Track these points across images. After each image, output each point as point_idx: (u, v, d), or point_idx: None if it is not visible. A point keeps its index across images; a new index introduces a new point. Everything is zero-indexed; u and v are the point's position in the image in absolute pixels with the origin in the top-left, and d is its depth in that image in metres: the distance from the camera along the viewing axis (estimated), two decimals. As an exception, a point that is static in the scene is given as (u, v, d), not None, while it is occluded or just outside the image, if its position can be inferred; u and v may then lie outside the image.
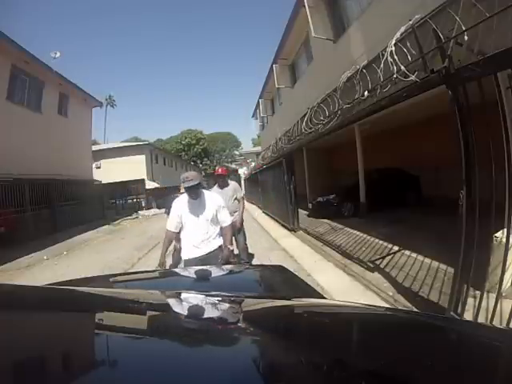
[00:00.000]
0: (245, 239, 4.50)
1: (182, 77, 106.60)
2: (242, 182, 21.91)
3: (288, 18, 9.55)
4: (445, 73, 2.19)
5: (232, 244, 2.91)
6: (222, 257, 2.70)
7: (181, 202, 2.72)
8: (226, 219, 2.77)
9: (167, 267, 2.85)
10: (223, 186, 4.25)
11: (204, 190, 2.80)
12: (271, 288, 1.43)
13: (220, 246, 2.78)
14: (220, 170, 4.33)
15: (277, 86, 12.59)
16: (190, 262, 2.68)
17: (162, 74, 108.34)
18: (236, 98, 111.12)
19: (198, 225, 2.67)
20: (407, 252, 4.49)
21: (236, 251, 4.18)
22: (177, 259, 3.53)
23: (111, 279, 1.62)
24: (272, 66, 12.75)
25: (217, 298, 0.92)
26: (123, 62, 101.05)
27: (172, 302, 0.90)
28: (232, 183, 4.42)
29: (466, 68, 2.01)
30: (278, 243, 6.64)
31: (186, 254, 2.75)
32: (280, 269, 1.65)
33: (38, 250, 7.55)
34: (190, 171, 2.91)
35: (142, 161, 21.70)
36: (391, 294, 3.22)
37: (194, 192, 2.58)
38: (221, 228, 2.78)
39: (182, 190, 3.11)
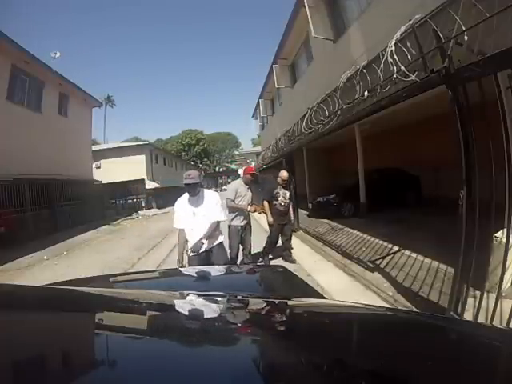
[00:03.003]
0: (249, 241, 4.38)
1: (183, 77, 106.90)
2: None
3: (288, 18, 9.54)
4: (445, 73, 2.19)
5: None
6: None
7: (182, 200, 2.91)
8: (221, 215, 2.93)
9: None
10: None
11: (204, 189, 2.94)
12: (271, 288, 1.44)
13: (220, 243, 2.93)
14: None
15: (277, 86, 12.55)
16: (192, 259, 2.78)
17: (163, 74, 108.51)
18: (236, 98, 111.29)
19: (197, 220, 2.80)
20: (407, 252, 4.48)
21: (240, 257, 4.24)
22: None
23: (111, 279, 1.63)
24: (272, 66, 12.72)
25: (217, 298, 0.92)
26: (123, 61, 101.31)
27: (172, 302, 0.89)
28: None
29: (466, 68, 2.01)
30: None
31: (189, 251, 2.84)
32: (280, 269, 1.66)
33: (38, 250, 7.54)
34: (193, 170, 3.10)
35: (142, 161, 21.66)
36: (391, 294, 3.22)
37: (193, 189, 2.77)
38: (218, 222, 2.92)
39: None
